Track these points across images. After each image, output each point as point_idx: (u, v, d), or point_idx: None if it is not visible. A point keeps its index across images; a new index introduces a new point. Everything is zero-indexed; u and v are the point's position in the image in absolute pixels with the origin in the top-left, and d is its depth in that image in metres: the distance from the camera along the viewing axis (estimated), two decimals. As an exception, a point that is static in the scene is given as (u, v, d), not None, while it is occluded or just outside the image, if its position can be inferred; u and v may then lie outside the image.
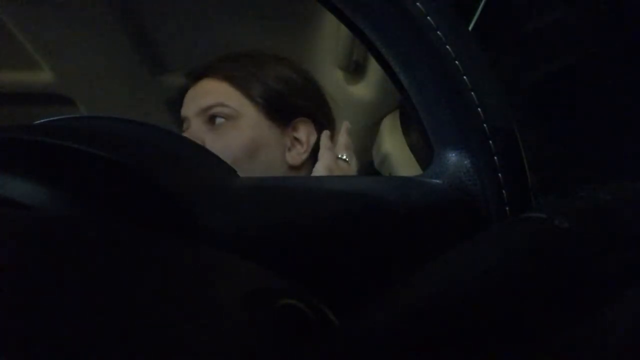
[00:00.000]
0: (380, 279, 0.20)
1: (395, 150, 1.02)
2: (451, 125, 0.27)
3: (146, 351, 0.11)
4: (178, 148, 0.27)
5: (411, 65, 0.28)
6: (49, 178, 0.18)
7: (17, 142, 0.19)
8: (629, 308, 0.16)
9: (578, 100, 0.61)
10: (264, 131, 0.68)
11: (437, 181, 0.27)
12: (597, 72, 0.59)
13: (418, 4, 0.26)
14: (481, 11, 0.66)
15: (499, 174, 0.26)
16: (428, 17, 0.26)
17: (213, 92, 0.69)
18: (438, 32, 0.26)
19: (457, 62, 0.26)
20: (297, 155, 0.70)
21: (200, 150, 0.28)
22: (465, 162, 0.27)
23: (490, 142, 0.26)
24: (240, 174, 0.26)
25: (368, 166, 1.10)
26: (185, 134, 0.68)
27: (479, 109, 0.26)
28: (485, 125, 0.26)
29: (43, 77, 1.07)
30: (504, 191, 0.26)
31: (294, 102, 0.70)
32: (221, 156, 0.26)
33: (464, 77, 0.26)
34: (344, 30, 0.88)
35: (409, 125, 1.00)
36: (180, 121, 0.72)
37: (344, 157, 0.67)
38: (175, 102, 0.76)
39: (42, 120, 0.28)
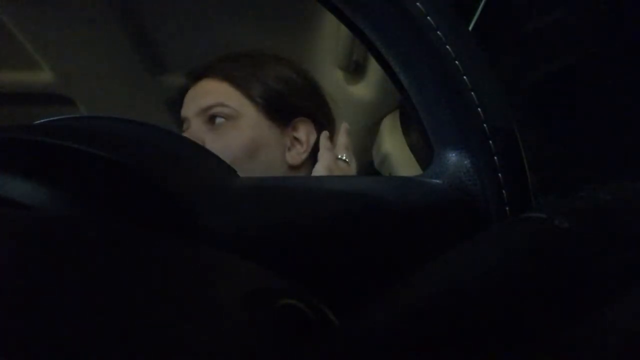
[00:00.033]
0: (380, 279, 0.20)
1: (395, 150, 1.02)
2: (451, 125, 0.27)
3: (146, 351, 0.11)
4: (178, 148, 0.27)
5: (411, 65, 0.28)
6: (49, 178, 0.18)
7: (17, 142, 0.19)
8: (629, 308, 0.16)
9: (578, 100, 0.61)
10: (264, 131, 0.68)
11: (437, 181, 0.27)
12: (597, 72, 0.59)
13: (418, 4, 0.26)
14: (481, 11, 0.66)
15: (499, 174, 0.26)
16: (428, 17, 0.26)
17: (213, 92, 0.69)
18: (438, 32, 0.26)
19: (457, 62, 0.26)
20: (297, 155, 0.70)
21: (200, 150, 0.28)
22: (465, 162, 0.27)
23: (490, 142, 0.26)
24: (240, 174, 0.26)
25: (368, 166, 1.10)
26: (185, 134, 0.68)
27: (479, 109, 0.26)
28: (485, 125, 0.26)
29: (43, 77, 1.07)
30: (504, 191, 0.26)
31: (293, 102, 0.70)
32: (221, 156, 0.26)
33: (464, 77, 0.26)
34: (344, 30, 0.88)
35: (409, 125, 1.00)
36: (180, 121, 0.72)
37: (344, 157, 0.67)
38: (175, 102, 0.76)
39: (42, 120, 0.28)
